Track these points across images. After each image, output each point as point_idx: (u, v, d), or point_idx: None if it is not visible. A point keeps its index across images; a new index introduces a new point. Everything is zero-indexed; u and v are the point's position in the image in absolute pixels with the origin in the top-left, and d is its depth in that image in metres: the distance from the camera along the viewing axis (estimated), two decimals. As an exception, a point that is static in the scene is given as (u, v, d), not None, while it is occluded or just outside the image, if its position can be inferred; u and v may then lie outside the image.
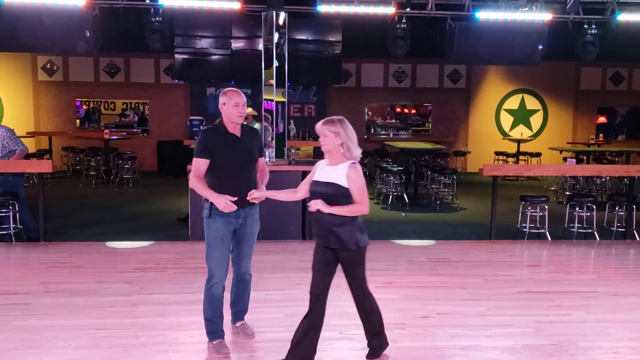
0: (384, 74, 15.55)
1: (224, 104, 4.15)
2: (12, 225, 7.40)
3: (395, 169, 10.57)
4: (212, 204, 4.02)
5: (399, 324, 4.77)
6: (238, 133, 4.17)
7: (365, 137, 15.48)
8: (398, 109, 16.57)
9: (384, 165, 11.15)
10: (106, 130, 13.11)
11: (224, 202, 3.91)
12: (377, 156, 13.89)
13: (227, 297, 4.33)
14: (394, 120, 16.57)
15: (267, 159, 7.94)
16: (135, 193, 11.68)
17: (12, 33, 9.19)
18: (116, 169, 12.89)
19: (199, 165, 4.06)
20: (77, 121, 15.24)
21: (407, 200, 10.54)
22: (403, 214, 9.92)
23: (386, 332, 4.22)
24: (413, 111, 16.72)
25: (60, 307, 5.05)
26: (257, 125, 10.49)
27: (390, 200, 10.45)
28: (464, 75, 15.85)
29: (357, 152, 3.98)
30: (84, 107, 15.50)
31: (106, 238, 7.64)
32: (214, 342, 4.19)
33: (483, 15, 9.47)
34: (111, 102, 15.55)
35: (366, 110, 16.04)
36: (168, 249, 7.17)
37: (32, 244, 7.48)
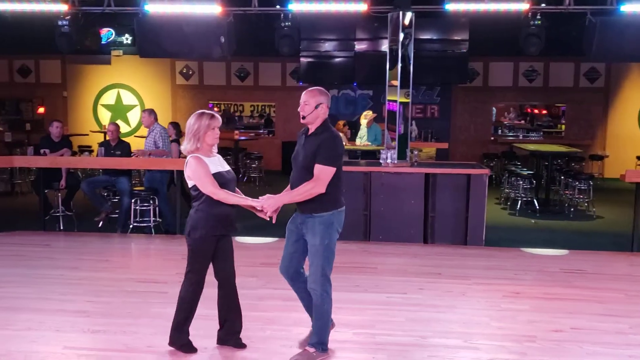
0: (514, 72, 14.88)
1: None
2: (152, 219, 7.99)
3: (525, 173, 10.08)
4: None
5: (529, 336, 4.53)
6: (309, 133, 4.10)
7: (492, 138, 14.92)
8: (528, 109, 15.81)
9: (513, 168, 10.68)
10: (236, 132, 13.76)
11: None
12: (504, 159, 13.33)
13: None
14: (523, 121, 15.82)
15: (389, 161, 7.90)
16: (262, 191, 12.03)
17: (155, 40, 9.91)
18: (244, 168, 13.47)
19: None
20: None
21: (537, 207, 10.01)
22: (533, 221, 9.43)
23: (514, 343, 4.02)
24: (544, 112, 15.86)
25: (193, 297, 5.34)
26: (377, 127, 10.52)
27: (518, 206, 9.98)
28: (602, 74, 14.75)
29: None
30: (215, 109, 16.34)
31: (235, 233, 7.98)
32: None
33: (629, 8, 8.74)
34: (240, 104, 16.27)
35: (494, 110, 15.46)
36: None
37: (169, 236, 8.01)
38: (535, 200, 10.13)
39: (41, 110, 16.12)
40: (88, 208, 9.00)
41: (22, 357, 4.08)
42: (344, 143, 10.66)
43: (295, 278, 4.26)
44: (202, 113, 4.04)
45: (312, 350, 4.06)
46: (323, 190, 3.91)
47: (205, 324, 4.69)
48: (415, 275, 6.18)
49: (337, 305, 5.08)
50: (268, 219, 4.03)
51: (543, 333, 4.61)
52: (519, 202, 10.03)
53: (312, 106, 3.98)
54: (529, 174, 10.08)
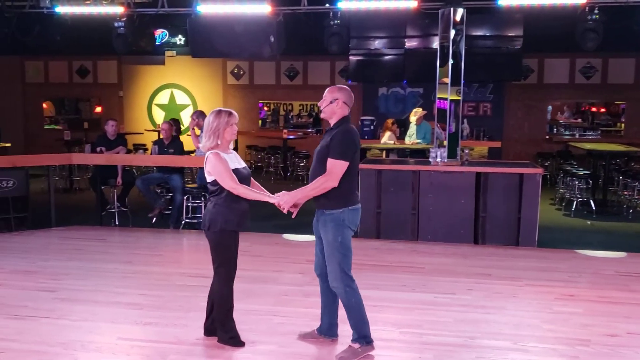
0: (570, 69, 14.42)
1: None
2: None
3: (581, 173, 9.78)
4: None
5: (583, 340, 4.40)
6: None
7: (547, 137, 14.53)
8: (585, 107, 15.31)
9: (568, 168, 10.37)
10: (284, 130, 13.88)
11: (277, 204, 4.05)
12: (560, 158, 12.95)
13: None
14: (579, 120, 15.33)
15: (439, 159, 7.80)
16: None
17: (207, 40, 10.12)
18: (292, 166, 13.57)
19: None
20: (260, 121, 16.30)
21: (593, 207, 9.68)
22: (589, 222, 9.13)
23: (566, 346, 3.91)
24: (602, 110, 15.32)
25: (241, 292, 5.40)
26: (427, 125, 10.39)
27: (574, 207, 9.68)
28: (665, 70, 14.13)
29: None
30: (265, 108, 16.52)
31: (283, 230, 8.09)
32: None
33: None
34: (289, 103, 16.39)
35: (550, 108, 15.04)
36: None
37: (219, 233, 8.15)
38: (591, 201, 9.81)
39: (98, 109, 16.68)
40: (142, 204, 9.27)
41: (79, 346, 4.24)
42: (392, 141, 10.72)
43: (326, 277, 4.23)
44: (220, 110, 4.14)
45: (356, 345, 4.07)
46: (335, 184, 3.91)
47: (250, 319, 4.76)
48: (464, 275, 6.09)
49: (384, 304, 5.10)
50: (286, 213, 4.09)
51: (597, 337, 4.46)
52: (575, 202, 9.74)
53: (328, 101, 4.03)
54: (585, 173, 9.77)
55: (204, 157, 4.12)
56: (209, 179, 4.11)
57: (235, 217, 4.09)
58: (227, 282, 4.18)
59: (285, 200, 3.99)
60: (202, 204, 8.13)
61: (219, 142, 4.08)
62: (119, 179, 8.72)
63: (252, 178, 4.31)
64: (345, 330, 4.40)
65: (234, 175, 4.02)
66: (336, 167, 3.90)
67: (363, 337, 4.08)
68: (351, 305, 4.04)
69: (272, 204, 4.07)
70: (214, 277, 4.24)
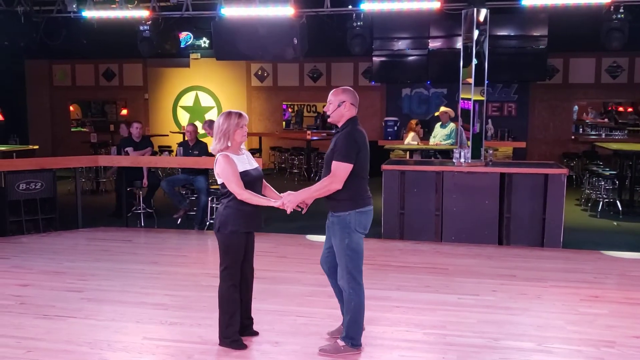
0: (596, 69, 14.21)
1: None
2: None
3: (607, 173, 9.63)
4: None
5: (607, 341, 4.35)
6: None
7: (573, 137, 14.33)
8: (611, 107, 15.05)
9: (594, 168, 10.22)
10: (308, 132, 13.93)
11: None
12: (585, 158, 12.77)
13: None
14: (606, 120, 15.08)
15: (463, 160, 7.77)
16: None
17: (231, 43, 10.21)
18: (316, 167, 13.60)
19: None
20: (283, 123, 16.38)
21: (620, 208, 9.53)
22: (615, 223, 8.99)
23: (591, 348, 3.87)
24: (630, 109, 15.05)
25: (265, 292, 5.49)
26: (452, 125, 10.35)
27: (600, 207, 9.54)
28: (693, 69, 13.84)
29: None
30: (289, 110, 16.59)
31: (306, 231, 8.12)
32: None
33: None
34: (313, 105, 16.43)
35: (576, 108, 14.83)
36: (363, 245, 7.37)
37: (243, 234, 8.22)
38: (618, 202, 9.66)
39: (124, 112, 16.93)
40: (167, 206, 9.39)
41: (105, 345, 4.32)
42: (416, 142, 10.68)
43: (331, 274, 4.29)
44: (230, 112, 4.14)
45: (341, 343, 4.11)
46: (339, 187, 3.92)
47: (274, 319, 4.80)
48: (489, 277, 6.05)
49: (408, 305, 5.11)
50: (289, 213, 4.15)
51: (623, 339, 4.40)
52: (601, 203, 9.60)
53: (335, 105, 4.04)
54: (611, 174, 9.62)
55: (214, 159, 4.16)
56: (219, 181, 4.15)
57: (245, 219, 4.12)
58: (232, 285, 4.19)
59: (289, 200, 4.03)
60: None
61: (229, 144, 4.09)
62: (145, 180, 8.86)
63: (264, 180, 4.33)
64: (370, 330, 4.41)
65: (240, 180, 4.03)
66: (340, 170, 3.90)
67: (351, 338, 4.10)
68: (350, 308, 4.06)
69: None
70: (220, 281, 4.27)
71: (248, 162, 4.18)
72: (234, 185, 4.03)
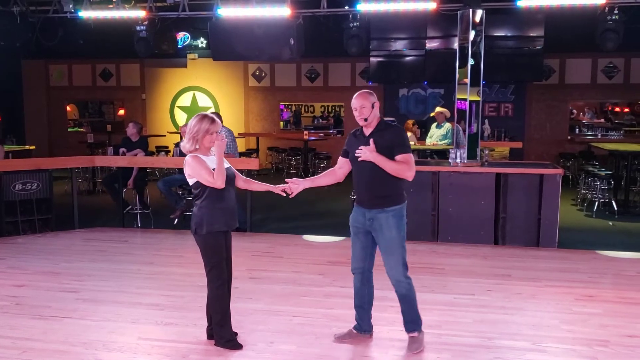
0: (592, 69, 14.25)
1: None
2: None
3: (602, 173, 9.66)
4: (354, 196, 4.30)
5: (601, 340, 4.37)
6: (367, 133, 4.16)
7: (569, 137, 14.37)
8: (608, 107, 15.10)
9: (590, 168, 10.25)
10: (305, 132, 13.94)
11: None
12: (581, 159, 12.81)
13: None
14: (602, 120, 15.12)
15: (459, 160, 7.79)
16: (330, 191, 12.18)
17: (228, 43, 10.23)
18: (313, 167, 13.62)
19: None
20: (281, 123, 16.38)
21: (615, 208, 9.56)
22: (610, 223, 9.02)
23: (585, 347, 3.89)
24: (626, 110, 15.10)
25: (262, 292, 5.50)
26: (447, 125, 10.37)
27: (595, 207, 9.57)
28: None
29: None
30: (287, 110, 16.61)
31: (303, 231, 8.13)
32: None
33: None
34: (310, 105, 16.45)
35: (570, 108, 14.86)
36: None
37: (241, 233, 8.22)
38: (613, 202, 9.68)
39: (121, 112, 16.93)
40: (164, 206, 9.38)
41: (101, 346, 4.33)
42: (413, 142, 10.71)
43: (367, 278, 4.33)
44: (204, 116, 4.13)
45: (416, 334, 4.24)
46: (413, 175, 4.08)
47: (270, 319, 4.81)
48: (484, 276, 6.07)
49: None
50: (284, 195, 4.27)
51: (617, 338, 4.43)
52: (596, 203, 9.63)
53: (369, 107, 4.10)
54: (607, 174, 9.65)
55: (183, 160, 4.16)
56: (190, 182, 4.14)
57: (221, 217, 4.12)
58: (220, 284, 4.18)
59: (369, 149, 3.97)
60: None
61: (197, 147, 4.11)
62: (131, 181, 8.80)
63: (239, 176, 4.35)
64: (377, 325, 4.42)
65: (211, 171, 4.02)
66: (411, 159, 4.08)
67: (418, 325, 4.25)
68: (412, 298, 4.19)
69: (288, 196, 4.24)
70: (208, 283, 4.25)
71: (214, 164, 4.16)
72: (206, 175, 4.01)
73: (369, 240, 4.23)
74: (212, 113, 4.48)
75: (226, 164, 4.20)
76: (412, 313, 4.22)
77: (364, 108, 4.09)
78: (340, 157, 4.37)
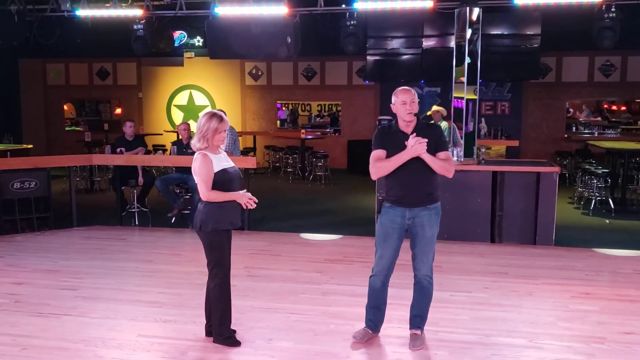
0: (589, 67, 14.30)
1: (394, 103, 4.17)
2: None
3: (599, 171, 9.70)
4: (383, 200, 4.22)
5: (598, 337, 4.40)
6: (409, 130, 4.10)
7: (566, 136, 14.41)
8: (605, 105, 15.14)
9: (587, 166, 10.29)
10: (302, 130, 13.96)
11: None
12: (578, 157, 12.85)
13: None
14: (599, 118, 15.17)
15: (456, 159, 7.81)
16: (327, 189, 12.25)
17: (224, 42, 10.22)
18: (310, 166, 13.63)
19: (374, 154, 4.15)
20: (278, 122, 16.40)
21: (612, 206, 9.61)
22: (607, 221, 9.06)
23: (581, 344, 3.92)
24: (623, 108, 15.15)
25: (260, 290, 5.52)
26: (444, 124, 10.39)
27: (592, 205, 9.62)
28: (686, 67, 13.94)
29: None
30: (284, 108, 16.61)
31: (301, 230, 8.15)
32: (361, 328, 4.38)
33: None
34: (307, 103, 16.46)
35: (567, 106, 14.91)
36: (355, 243, 7.42)
37: (237, 231, 8.23)
38: (610, 200, 9.73)
39: (118, 111, 16.91)
40: (161, 205, 9.39)
41: (100, 343, 4.34)
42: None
43: (388, 279, 4.33)
44: (213, 115, 4.18)
45: (419, 332, 4.31)
46: (453, 172, 4.10)
47: (268, 317, 4.83)
48: (481, 274, 6.10)
49: (400, 302, 5.12)
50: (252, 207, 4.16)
51: (613, 335, 4.46)
52: (593, 201, 9.67)
53: (416, 101, 4.11)
54: (603, 172, 9.69)
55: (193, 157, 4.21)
56: (196, 179, 4.18)
57: (226, 215, 4.15)
58: (224, 281, 4.20)
59: (422, 145, 3.91)
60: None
61: (206, 145, 4.15)
62: (140, 179, 8.87)
63: None
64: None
65: (210, 183, 4.08)
66: (452, 157, 4.11)
67: (424, 324, 4.34)
68: (431, 294, 4.29)
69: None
70: (208, 279, 4.28)
71: (226, 161, 4.24)
72: (203, 185, 4.09)
73: (401, 242, 4.21)
74: (218, 110, 4.50)
75: (231, 163, 4.26)
76: (424, 309, 4.29)
77: (414, 102, 4.07)
78: (378, 151, 4.13)
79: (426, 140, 3.93)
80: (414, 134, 3.98)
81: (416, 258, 4.21)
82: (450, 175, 4.09)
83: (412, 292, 4.93)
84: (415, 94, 4.14)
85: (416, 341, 4.25)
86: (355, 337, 4.35)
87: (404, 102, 4.08)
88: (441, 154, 4.05)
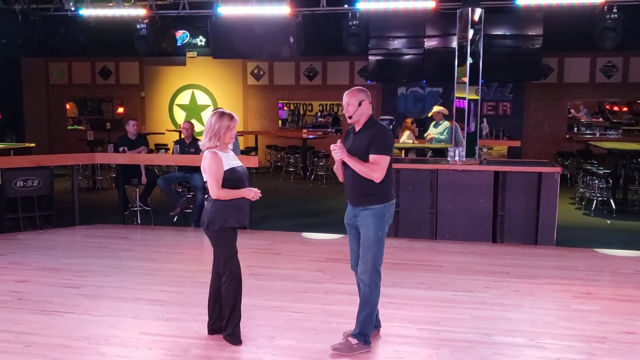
0: (591, 68, 14.29)
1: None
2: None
3: (601, 172, 9.71)
4: None
5: (599, 337, 4.41)
6: (356, 130, 4.19)
7: (567, 136, 14.41)
8: (607, 106, 15.13)
9: (589, 167, 10.30)
10: (304, 130, 13.98)
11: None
12: (580, 157, 12.85)
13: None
14: (601, 119, 15.17)
15: (457, 158, 7.82)
16: (328, 189, 12.27)
17: (227, 42, 10.26)
18: (312, 166, 13.65)
19: None
20: (279, 121, 16.41)
21: (613, 207, 9.61)
22: (609, 222, 9.07)
23: (582, 344, 3.94)
24: (625, 109, 15.14)
25: (261, 288, 5.54)
26: (446, 124, 10.40)
27: (594, 206, 9.62)
28: (688, 68, 13.93)
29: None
30: (285, 108, 16.62)
31: (302, 229, 8.17)
32: None
33: None
34: (309, 103, 16.47)
35: (568, 107, 14.90)
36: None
37: (240, 231, 8.24)
38: (611, 200, 9.73)
39: (121, 110, 16.93)
40: (164, 203, 9.42)
41: (102, 341, 4.36)
42: (411, 141, 10.75)
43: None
44: (223, 113, 4.22)
45: (354, 341, 4.13)
46: (382, 177, 4.02)
47: (269, 315, 4.85)
48: (482, 274, 6.11)
49: (402, 302, 5.15)
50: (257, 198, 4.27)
51: (614, 334, 4.47)
52: (595, 201, 9.68)
53: (355, 105, 4.11)
54: (605, 172, 9.70)
55: (202, 155, 4.24)
56: (205, 177, 4.22)
57: (233, 213, 4.18)
58: (234, 276, 4.24)
59: (339, 146, 4.06)
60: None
61: (217, 144, 4.19)
62: (143, 178, 8.89)
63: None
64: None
65: (220, 181, 4.12)
66: (383, 161, 4.02)
67: (364, 335, 4.15)
68: (369, 301, 4.12)
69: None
70: (212, 277, 4.33)
71: (234, 160, 4.28)
72: (214, 183, 4.12)
73: (358, 238, 4.23)
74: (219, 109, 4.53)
75: (239, 162, 4.30)
76: (364, 317, 4.12)
77: (349, 105, 4.12)
78: None
79: (339, 146, 4.05)
80: (341, 140, 4.14)
81: (360, 258, 4.17)
82: (374, 179, 4.01)
83: (414, 292, 4.97)
84: (355, 95, 4.11)
85: (342, 345, 4.12)
86: (345, 333, 4.36)
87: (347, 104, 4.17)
88: (371, 157, 4.03)
